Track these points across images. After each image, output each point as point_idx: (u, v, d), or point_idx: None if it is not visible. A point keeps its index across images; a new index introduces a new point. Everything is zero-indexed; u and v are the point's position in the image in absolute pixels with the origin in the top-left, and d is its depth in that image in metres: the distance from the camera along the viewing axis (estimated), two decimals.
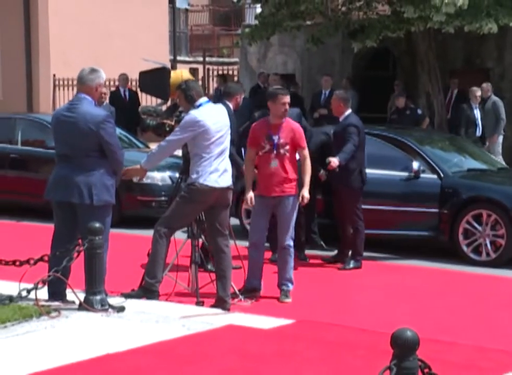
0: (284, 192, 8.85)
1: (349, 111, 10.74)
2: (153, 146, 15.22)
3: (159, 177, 13.32)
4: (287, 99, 8.88)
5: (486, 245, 10.83)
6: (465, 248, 10.94)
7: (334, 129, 10.92)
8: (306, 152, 9.05)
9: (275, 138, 8.82)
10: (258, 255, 8.99)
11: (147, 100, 19.71)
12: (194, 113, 8.13)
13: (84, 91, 7.87)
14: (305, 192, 8.90)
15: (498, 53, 20.34)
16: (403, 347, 4.37)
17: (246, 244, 10.11)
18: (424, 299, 9.15)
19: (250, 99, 19.65)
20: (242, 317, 7.72)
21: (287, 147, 8.86)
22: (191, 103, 8.24)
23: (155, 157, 8.58)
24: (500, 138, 17.54)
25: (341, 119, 10.70)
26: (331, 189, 10.82)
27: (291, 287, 8.96)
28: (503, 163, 16.25)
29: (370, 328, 7.56)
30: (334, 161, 10.01)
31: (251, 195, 8.80)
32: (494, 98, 17.57)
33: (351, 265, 10.39)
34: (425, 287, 9.71)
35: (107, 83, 20.75)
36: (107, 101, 15.93)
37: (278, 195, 8.84)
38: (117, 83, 22.82)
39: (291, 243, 8.96)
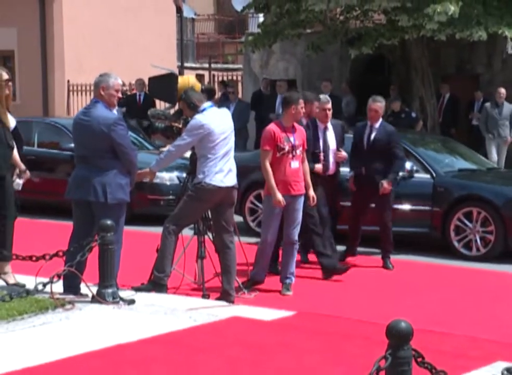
0: (300, 191, 8.88)
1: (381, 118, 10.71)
2: (164, 149, 15.33)
3: (168, 177, 13.33)
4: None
5: (476, 240, 10.84)
6: (456, 244, 10.94)
7: (375, 136, 10.49)
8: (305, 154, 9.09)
9: (292, 139, 8.82)
10: (270, 252, 9.00)
11: (160, 105, 19.73)
12: (198, 118, 8.15)
13: (95, 95, 7.94)
14: (313, 193, 9.05)
15: (488, 59, 20.33)
16: (397, 338, 4.38)
17: (250, 240, 10.13)
18: (418, 292, 9.15)
19: (251, 103, 19.76)
20: (246, 310, 7.73)
21: (301, 148, 8.90)
22: (195, 110, 8.26)
23: (163, 161, 8.69)
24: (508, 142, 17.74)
25: (377, 125, 10.48)
26: (370, 190, 10.41)
27: (293, 280, 8.96)
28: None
29: (367, 320, 7.57)
30: (386, 187, 10.22)
31: (281, 197, 8.62)
32: (510, 105, 17.60)
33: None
34: (419, 280, 9.71)
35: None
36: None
37: (295, 194, 8.85)
38: (125, 88, 22.85)
39: (297, 238, 9.00)
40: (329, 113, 10.11)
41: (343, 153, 10.33)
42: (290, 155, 8.77)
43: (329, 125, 10.22)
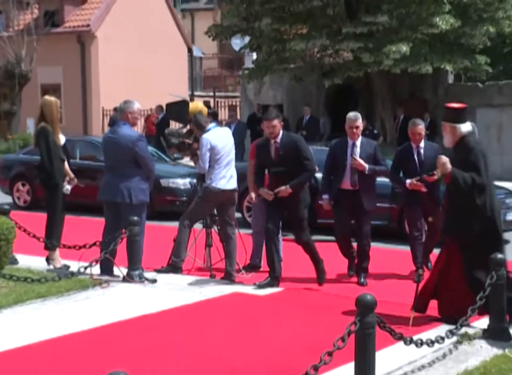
0: None
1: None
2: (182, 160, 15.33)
3: (182, 182, 13.31)
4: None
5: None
6: None
7: (425, 156, 8.68)
8: None
9: None
10: (261, 241, 8.92)
11: (174, 125, 19.77)
12: (205, 136, 8.15)
13: (122, 118, 7.92)
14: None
15: (433, 88, 20.46)
16: (364, 307, 4.40)
17: (247, 232, 10.10)
18: (380, 271, 9.14)
19: (247, 123, 19.75)
20: (244, 287, 7.74)
21: None
22: (202, 130, 8.27)
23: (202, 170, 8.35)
24: None
25: (422, 145, 8.73)
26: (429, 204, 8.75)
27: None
28: None
29: (341, 294, 7.56)
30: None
31: (254, 195, 8.45)
32: (471, 123, 17.47)
33: None
34: (382, 263, 9.70)
35: (143, 112, 20.78)
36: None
37: None
38: (149, 112, 22.88)
39: (280, 230, 8.83)
40: (356, 131, 8.22)
41: (359, 161, 8.15)
42: None
43: (358, 143, 8.28)
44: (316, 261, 8.07)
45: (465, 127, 6.48)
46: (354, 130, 8.21)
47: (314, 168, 8.00)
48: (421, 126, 8.77)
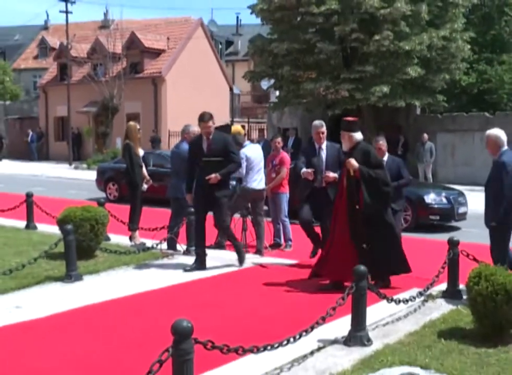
0: (276, 190, 8.56)
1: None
2: None
3: None
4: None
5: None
6: None
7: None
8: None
9: (273, 162, 8.57)
10: (278, 226, 8.83)
11: None
12: (242, 151, 8.07)
13: (183, 137, 7.93)
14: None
15: (405, 118, 20.26)
16: (359, 275, 4.35)
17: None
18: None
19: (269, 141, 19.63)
20: (270, 259, 7.67)
21: (278, 166, 8.56)
22: (240, 146, 8.20)
23: (240, 175, 8.22)
24: (431, 166, 17.50)
25: (385, 158, 7.12)
26: None
27: (290, 243, 8.56)
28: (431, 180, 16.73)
29: None
30: None
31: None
32: (430, 143, 17.45)
33: None
34: None
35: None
36: None
37: (275, 192, 8.57)
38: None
39: (286, 218, 8.59)
40: (322, 136, 7.08)
41: (330, 174, 6.70)
42: (273, 170, 8.58)
43: (324, 146, 7.09)
44: (234, 244, 7.17)
45: (359, 135, 6.16)
46: (321, 135, 7.05)
47: (239, 160, 7.18)
48: (382, 142, 7.52)
